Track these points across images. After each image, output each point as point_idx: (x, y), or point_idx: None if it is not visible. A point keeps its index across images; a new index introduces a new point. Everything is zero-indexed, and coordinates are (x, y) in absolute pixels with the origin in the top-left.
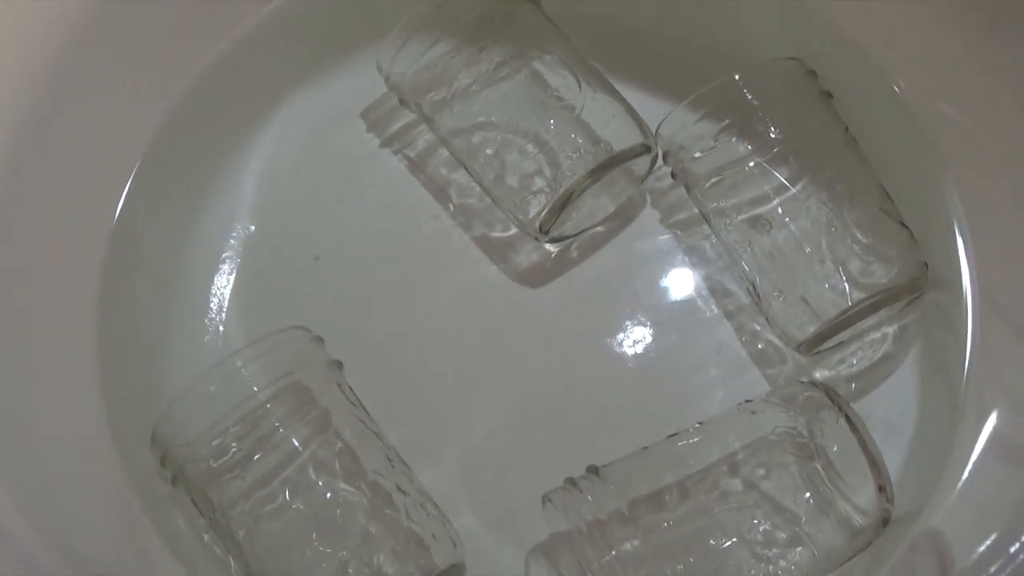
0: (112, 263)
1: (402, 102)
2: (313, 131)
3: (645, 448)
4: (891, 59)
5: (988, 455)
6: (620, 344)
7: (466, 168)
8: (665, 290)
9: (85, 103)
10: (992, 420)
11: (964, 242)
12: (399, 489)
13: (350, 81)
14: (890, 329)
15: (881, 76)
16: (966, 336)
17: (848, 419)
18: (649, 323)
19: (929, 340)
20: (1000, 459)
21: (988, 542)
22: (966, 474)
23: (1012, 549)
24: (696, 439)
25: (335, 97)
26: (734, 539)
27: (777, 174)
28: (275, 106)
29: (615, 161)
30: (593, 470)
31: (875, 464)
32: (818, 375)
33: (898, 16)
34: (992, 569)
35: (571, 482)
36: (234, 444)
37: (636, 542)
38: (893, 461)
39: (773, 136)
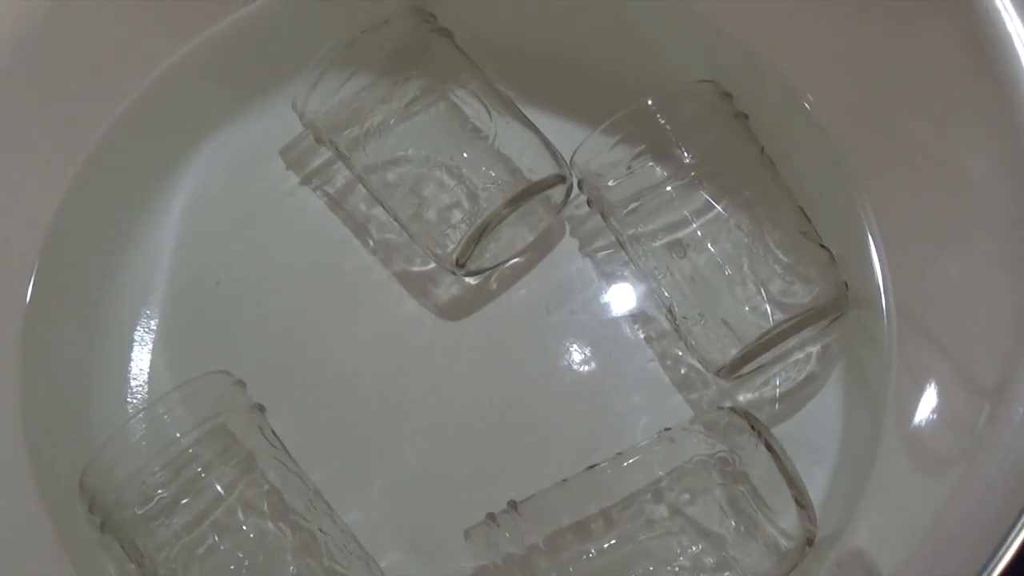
0: (34, 310)
1: (318, 140)
2: (233, 171)
3: (565, 480)
4: (800, 75)
5: (910, 468)
6: (542, 374)
7: (382, 205)
8: (586, 318)
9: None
10: (914, 433)
11: (880, 259)
12: (321, 530)
13: (268, 120)
14: (813, 349)
15: (791, 94)
16: (886, 353)
17: (767, 444)
18: (571, 352)
19: (852, 358)
20: (922, 471)
21: (911, 553)
22: (889, 488)
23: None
24: (616, 469)
25: (254, 136)
26: (661, 566)
27: (695, 198)
28: (194, 148)
29: (530, 192)
30: (512, 504)
31: (795, 486)
32: (741, 398)
33: (804, 31)
34: None
35: (491, 517)
36: (160, 490)
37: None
38: (817, 481)
39: (688, 160)
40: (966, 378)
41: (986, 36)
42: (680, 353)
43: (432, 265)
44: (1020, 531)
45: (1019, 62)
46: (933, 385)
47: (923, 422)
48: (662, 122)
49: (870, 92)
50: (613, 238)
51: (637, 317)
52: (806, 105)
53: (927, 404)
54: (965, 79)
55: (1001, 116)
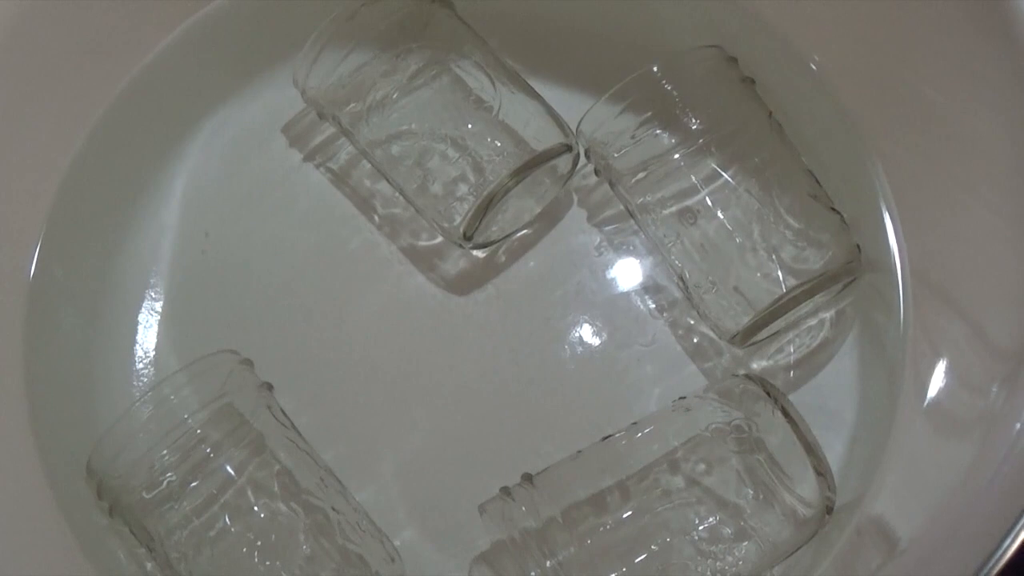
0: (36, 293)
1: (320, 116)
2: (235, 149)
3: (580, 452)
4: (806, 37)
5: (928, 432)
6: (554, 346)
7: (387, 179)
8: (596, 289)
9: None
10: (930, 397)
11: (892, 221)
12: (333, 509)
13: (270, 97)
14: (827, 315)
15: (797, 56)
16: (901, 317)
17: (784, 410)
18: (582, 324)
19: (866, 323)
20: (940, 434)
21: (931, 516)
22: (907, 452)
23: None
24: (631, 439)
25: (256, 114)
26: (679, 537)
27: (703, 165)
28: (196, 126)
29: (536, 161)
30: (527, 478)
31: (813, 453)
32: (755, 366)
33: None
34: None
35: (505, 491)
36: (169, 472)
37: (572, 549)
38: (835, 448)
39: (696, 127)
40: (983, 341)
41: None
42: (692, 322)
43: (439, 239)
44: None
45: None
46: (949, 349)
47: (940, 386)
48: (668, 88)
49: (877, 52)
50: (621, 208)
51: (648, 287)
52: (812, 67)
53: (944, 368)
54: (974, 38)
55: (1011, 77)
